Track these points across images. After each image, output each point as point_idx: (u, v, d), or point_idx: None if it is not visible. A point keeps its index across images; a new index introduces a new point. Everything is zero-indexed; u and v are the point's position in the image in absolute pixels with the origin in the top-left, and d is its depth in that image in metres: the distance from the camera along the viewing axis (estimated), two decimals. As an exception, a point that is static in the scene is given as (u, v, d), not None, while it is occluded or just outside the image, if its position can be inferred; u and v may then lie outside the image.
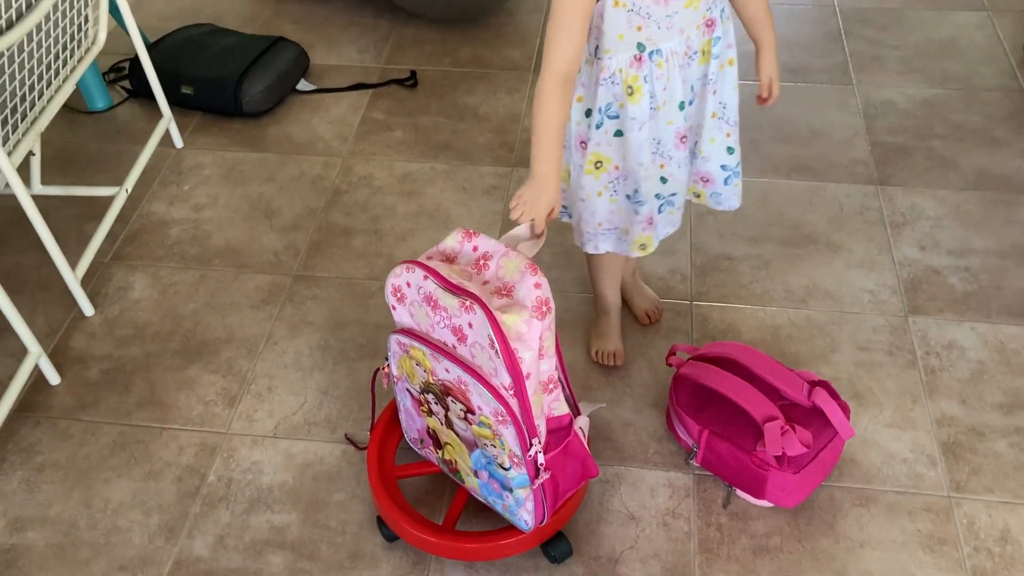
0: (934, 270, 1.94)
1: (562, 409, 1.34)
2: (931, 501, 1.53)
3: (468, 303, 1.20)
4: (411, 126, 2.39)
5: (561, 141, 1.32)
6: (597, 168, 1.45)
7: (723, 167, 1.51)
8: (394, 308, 1.33)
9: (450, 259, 1.32)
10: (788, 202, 2.13)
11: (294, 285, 1.96)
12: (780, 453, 1.41)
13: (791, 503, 1.49)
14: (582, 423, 1.44)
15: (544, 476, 1.31)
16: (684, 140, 1.43)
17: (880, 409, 1.67)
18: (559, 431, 1.34)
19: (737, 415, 1.48)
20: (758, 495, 1.49)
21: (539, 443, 1.28)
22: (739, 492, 1.52)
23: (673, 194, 1.50)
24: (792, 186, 2.17)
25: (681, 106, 1.39)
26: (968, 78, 2.49)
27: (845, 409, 1.49)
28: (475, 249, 1.30)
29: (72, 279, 1.85)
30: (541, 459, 1.29)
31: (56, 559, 1.49)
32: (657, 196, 1.50)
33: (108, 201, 2.03)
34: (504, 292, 1.25)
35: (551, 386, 1.31)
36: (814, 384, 1.50)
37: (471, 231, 1.32)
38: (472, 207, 2.14)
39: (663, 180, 1.48)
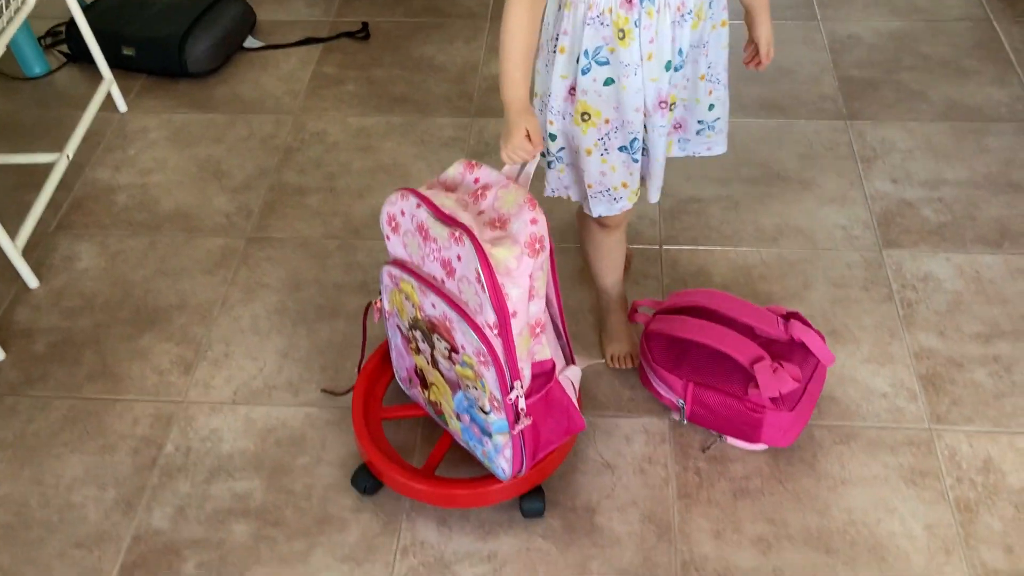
0: (907, 202, 1.90)
1: (544, 354, 1.28)
2: (912, 435, 1.50)
3: (458, 234, 1.15)
4: (364, 80, 2.30)
5: (530, 62, 1.24)
6: (584, 121, 1.33)
7: (699, 122, 1.43)
8: (388, 238, 1.29)
9: (451, 189, 1.27)
10: (757, 141, 2.07)
11: (248, 247, 1.88)
12: (776, 394, 1.36)
13: (787, 442, 1.44)
14: (572, 374, 1.38)
15: (525, 422, 1.25)
16: (663, 105, 1.32)
17: (857, 345, 1.63)
18: (540, 376, 1.29)
19: (717, 362, 1.42)
20: (753, 439, 1.43)
21: (521, 387, 1.23)
22: (729, 439, 1.47)
23: (645, 148, 1.40)
24: (761, 125, 2.11)
25: (667, 66, 1.29)
26: (934, 9, 2.44)
27: (820, 336, 1.45)
28: (476, 181, 1.26)
29: (12, 250, 1.76)
30: (522, 404, 1.24)
31: (6, 539, 1.42)
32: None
33: (48, 169, 1.93)
34: (498, 224, 1.19)
35: (537, 330, 1.25)
36: (787, 317, 1.45)
37: (473, 162, 1.28)
38: (431, 160, 2.06)
39: (646, 128, 1.39)
